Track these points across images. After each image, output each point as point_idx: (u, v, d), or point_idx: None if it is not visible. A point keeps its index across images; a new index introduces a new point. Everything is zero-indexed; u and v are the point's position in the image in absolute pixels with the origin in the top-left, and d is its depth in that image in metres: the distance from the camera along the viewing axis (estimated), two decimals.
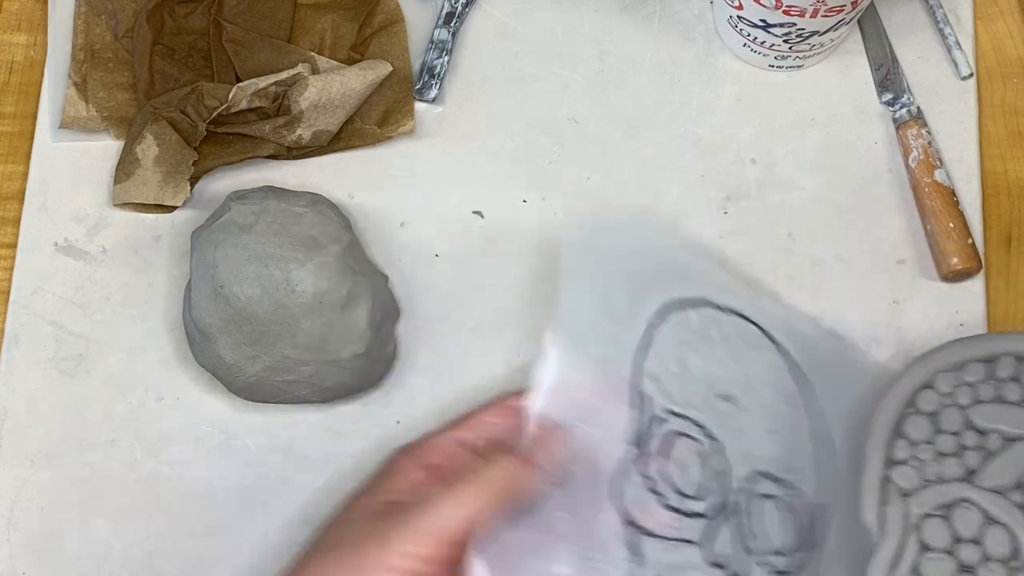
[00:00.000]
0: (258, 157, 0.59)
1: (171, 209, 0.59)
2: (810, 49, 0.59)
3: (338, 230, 0.54)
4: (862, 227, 0.59)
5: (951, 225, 0.57)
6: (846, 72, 0.62)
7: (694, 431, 0.48)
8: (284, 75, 0.58)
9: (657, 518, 0.46)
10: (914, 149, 0.59)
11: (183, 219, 0.59)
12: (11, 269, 0.59)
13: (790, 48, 0.59)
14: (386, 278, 0.57)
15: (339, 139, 0.60)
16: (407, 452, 0.50)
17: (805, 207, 0.59)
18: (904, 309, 0.58)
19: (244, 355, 0.53)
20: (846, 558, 0.49)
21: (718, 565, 0.47)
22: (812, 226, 0.59)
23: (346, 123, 0.60)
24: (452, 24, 0.62)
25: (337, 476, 0.55)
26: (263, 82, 0.58)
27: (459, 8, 0.63)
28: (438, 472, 0.48)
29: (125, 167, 0.58)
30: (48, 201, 0.60)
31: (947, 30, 0.61)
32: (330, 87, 0.58)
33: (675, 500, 0.47)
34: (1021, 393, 0.50)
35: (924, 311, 0.57)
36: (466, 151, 0.61)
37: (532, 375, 0.47)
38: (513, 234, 0.59)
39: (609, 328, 0.48)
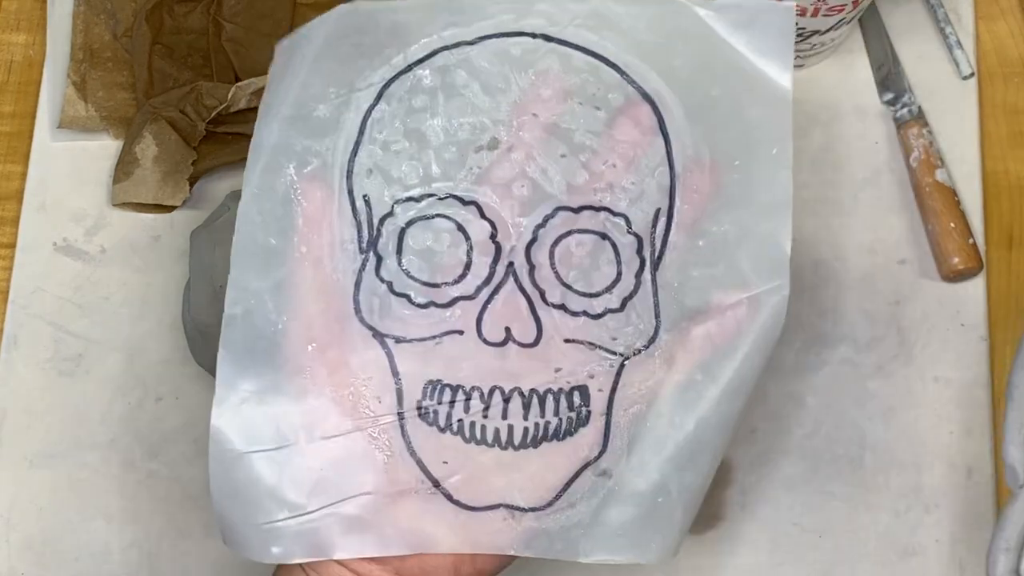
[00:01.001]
0: None
1: (170, 209, 0.59)
2: (811, 48, 0.59)
3: None
4: (863, 227, 0.59)
5: (952, 225, 0.57)
6: (847, 72, 0.61)
7: (439, 207, 0.41)
8: None
9: (408, 322, 0.41)
10: (915, 149, 0.59)
11: (182, 219, 0.59)
12: (10, 269, 0.59)
13: None
14: None
15: None
16: None
17: (805, 207, 0.59)
18: (905, 309, 0.57)
19: None
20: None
21: (493, 343, 0.40)
22: (812, 226, 0.59)
23: None
24: None
25: None
26: (263, 82, 0.57)
27: None
28: None
29: (124, 167, 0.58)
30: (47, 201, 0.60)
31: (948, 29, 0.61)
32: None
33: (421, 295, 0.41)
34: None
35: (925, 311, 0.57)
36: None
37: None
38: None
39: (312, 146, 0.42)
